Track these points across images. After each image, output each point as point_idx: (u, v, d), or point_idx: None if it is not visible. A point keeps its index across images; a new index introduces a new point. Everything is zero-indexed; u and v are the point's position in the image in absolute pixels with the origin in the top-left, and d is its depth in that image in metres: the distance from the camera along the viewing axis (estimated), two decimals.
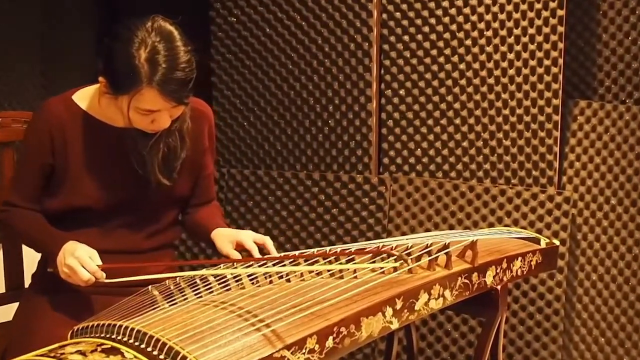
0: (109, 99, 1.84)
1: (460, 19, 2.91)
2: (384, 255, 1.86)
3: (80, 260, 1.79)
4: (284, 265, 1.85)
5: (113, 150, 1.92)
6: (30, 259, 2.15)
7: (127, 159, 1.92)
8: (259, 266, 1.85)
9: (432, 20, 2.95)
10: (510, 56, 2.86)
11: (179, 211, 2.11)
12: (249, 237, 1.95)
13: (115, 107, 1.83)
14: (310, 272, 1.83)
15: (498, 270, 2.09)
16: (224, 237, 1.99)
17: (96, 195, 1.92)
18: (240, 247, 1.96)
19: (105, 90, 1.83)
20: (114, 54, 1.79)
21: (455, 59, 2.94)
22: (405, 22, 3.00)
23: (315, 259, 1.85)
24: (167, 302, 1.71)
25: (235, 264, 1.90)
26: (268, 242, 1.96)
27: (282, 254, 1.97)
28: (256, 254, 1.92)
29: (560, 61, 2.81)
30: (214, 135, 2.11)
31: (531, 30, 2.83)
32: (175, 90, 1.77)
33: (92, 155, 1.91)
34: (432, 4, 2.94)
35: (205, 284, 1.79)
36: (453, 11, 2.91)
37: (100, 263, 1.81)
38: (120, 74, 1.78)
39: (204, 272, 1.82)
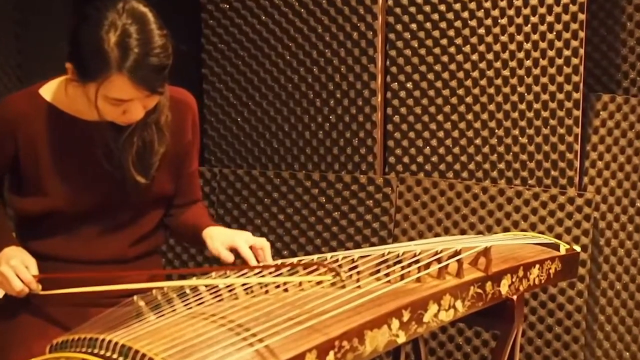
0: (75, 88, 1.83)
1: (473, 5, 2.91)
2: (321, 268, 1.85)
3: (15, 269, 1.82)
4: (280, 274, 1.85)
5: (84, 146, 1.91)
6: None
7: (99, 156, 1.91)
8: (254, 275, 1.85)
9: (442, 7, 2.96)
10: (527, 46, 2.86)
11: (163, 213, 2.10)
12: (244, 243, 1.94)
13: (84, 97, 1.82)
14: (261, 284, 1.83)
15: (514, 279, 2.08)
16: (217, 237, 1.98)
17: (67, 197, 1.90)
18: (235, 253, 1.95)
19: (72, 77, 1.82)
20: (81, 37, 1.77)
21: (467, 49, 2.94)
22: (412, 9, 3.00)
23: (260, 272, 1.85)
24: (154, 314, 1.71)
25: (227, 272, 1.90)
26: (266, 247, 1.96)
27: (280, 262, 1.97)
28: (252, 261, 1.91)
29: (581, 51, 2.80)
30: (199, 128, 2.09)
31: (550, 18, 2.82)
32: (148, 77, 1.75)
33: (60, 153, 1.90)
34: None
35: (196, 294, 1.79)
36: None
37: (36, 273, 1.84)
38: (88, 59, 1.76)
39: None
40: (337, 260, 1.90)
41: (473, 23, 2.92)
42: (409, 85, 3.04)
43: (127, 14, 1.76)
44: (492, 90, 2.93)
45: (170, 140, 1.97)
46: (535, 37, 2.84)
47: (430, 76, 3.01)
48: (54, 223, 1.93)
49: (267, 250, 1.96)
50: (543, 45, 2.84)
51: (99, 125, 1.88)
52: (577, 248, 2.47)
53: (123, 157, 1.90)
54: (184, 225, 2.08)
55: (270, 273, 1.88)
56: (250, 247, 1.94)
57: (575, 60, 2.81)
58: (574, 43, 2.80)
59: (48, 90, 1.93)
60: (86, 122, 1.91)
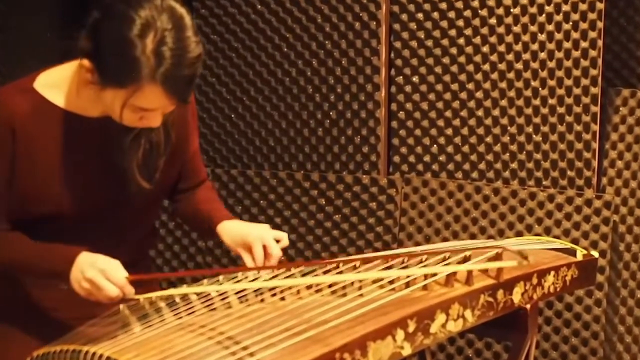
0: (90, 87, 1.79)
1: None
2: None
3: (106, 273, 1.74)
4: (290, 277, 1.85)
5: (86, 146, 1.89)
6: None
7: (102, 155, 1.90)
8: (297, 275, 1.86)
9: None
10: (542, 37, 2.86)
11: (159, 215, 2.10)
12: (258, 240, 1.93)
13: (95, 98, 1.79)
14: (309, 287, 1.83)
15: (527, 287, 2.09)
16: (233, 235, 1.97)
17: (69, 200, 1.89)
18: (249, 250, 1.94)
19: (89, 78, 1.75)
20: (106, 35, 1.70)
21: (477, 40, 2.94)
22: None
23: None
24: (141, 324, 1.71)
25: (220, 280, 1.91)
26: (284, 239, 1.94)
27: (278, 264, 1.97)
28: (258, 262, 1.90)
29: (600, 43, 2.80)
30: (196, 110, 2.08)
31: (566, 7, 2.83)
32: (181, 89, 1.72)
33: (61, 154, 1.88)
34: None
35: (186, 302, 1.79)
36: None
37: (126, 274, 1.76)
38: (115, 64, 1.70)
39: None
40: (337, 267, 1.90)
41: (484, 12, 2.92)
42: (415, 79, 3.04)
43: (166, 14, 1.69)
44: (503, 85, 2.93)
45: (174, 135, 1.95)
46: (551, 27, 2.84)
47: (438, 69, 3.01)
48: (53, 229, 1.92)
49: (284, 243, 1.94)
50: (559, 36, 2.84)
51: (102, 123, 1.86)
52: (595, 254, 2.47)
53: (128, 159, 1.88)
54: (196, 215, 2.05)
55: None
56: (264, 245, 1.93)
57: (593, 53, 2.81)
58: (592, 34, 2.80)
59: (44, 85, 1.87)
60: (88, 119, 1.87)
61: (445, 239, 3.02)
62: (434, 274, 1.90)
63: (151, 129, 1.87)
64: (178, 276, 1.92)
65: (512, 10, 2.88)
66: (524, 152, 2.94)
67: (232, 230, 1.99)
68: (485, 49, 2.93)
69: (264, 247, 1.92)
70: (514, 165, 2.96)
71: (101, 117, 1.86)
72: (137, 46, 1.66)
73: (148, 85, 1.69)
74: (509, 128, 2.95)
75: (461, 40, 2.96)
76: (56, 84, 1.88)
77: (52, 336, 1.81)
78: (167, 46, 1.67)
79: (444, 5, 2.96)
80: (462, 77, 2.98)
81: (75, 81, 1.84)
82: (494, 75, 2.93)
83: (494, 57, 2.92)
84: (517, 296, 2.06)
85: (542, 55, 2.87)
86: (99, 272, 1.75)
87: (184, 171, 2.08)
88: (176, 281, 3.06)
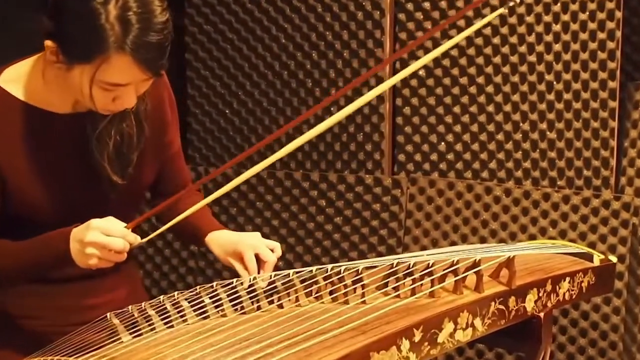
0: (57, 71, 1.80)
1: None
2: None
3: (103, 229, 1.74)
4: (274, 287, 1.85)
5: (59, 144, 1.90)
6: None
7: (76, 154, 1.91)
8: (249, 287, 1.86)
9: None
10: (556, 28, 2.86)
11: (138, 210, 2.10)
12: (249, 248, 1.93)
13: (63, 84, 1.80)
14: (307, 295, 1.83)
15: (541, 294, 2.09)
16: (223, 244, 1.98)
17: (44, 204, 1.90)
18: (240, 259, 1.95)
19: (54, 59, 1.77)
20: (68, 10, 1.72)
21: (487, 31, 2.94)
22: None
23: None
24: (130, 333, 1.71)
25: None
26: (277, 249, 1.94)
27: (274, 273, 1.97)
28: (252, 273, 1.91)
29: (618, 34, 2.81)
30: (175, 102, 2.08)
31: None
32: (153, 57, 1.73)
33: (33, 155, 1.89)
34: None
35: (178, 309, 1.79)
36: None
37: (124, 224, 1.78)
38: (79, 37, 1.71)
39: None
40: (339, 272, 1.91)
41: (494, 1, 2.92)
42: (421, 72, 3.04)
43: None
44: (516, 79, 2.93)
45: (149, 127, 1.96)
46: (566, 17, 2.85)
47: (446, 62, 3.01)
48: (29, 233, 1.92)
49: (277, 253, 1.94)
50: (575, 26, 2.84)
51: (74, 118, 1.87)
52: (613, 258, 2.47)
53: (98, 153, 1.89)
54: (183, 224, 2.07)
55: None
56: (256, 255, 1.93)
57: (611, 44, 2.81)
58: (610, 24, 2.80)
59: (10, 81, 1.87)
60: (60, 116, 1.88)
61: (453, 243, 3.03)
62: (442, 280, 1.90)
63: (122, 120, 1.87)
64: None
65: None
66: (538, 151, 2.94)
67: (221, 239, 1.99)
68: (496, 40, 2.93)
69: (257, 255, 1.92)
70: (527, 164, 2.97)
71: (72, 113, 1.86)
72: (100, 13, 1.68)
73: (116, 55, 1.70)
74: (521, 125, 2.95)
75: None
76: (22, 78, 1.87)
77: (34, 347, 1.81)
78: (131, 11, 1.69)
79: None
80: (472, 70, 2.98)
81: (42, 73, 1.85)
82: (506, 69, 2.93)
83: (505, 49, 2.92)
84: (530, 304, 2.06)
85: (557, 47, 2.87)
86: (97, 231, 1.75)
87: (166, 172, 2.08)
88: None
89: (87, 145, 1.90)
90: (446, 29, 2.99)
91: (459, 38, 1.85)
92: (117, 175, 1.91)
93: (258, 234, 1.98)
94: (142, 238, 1.81)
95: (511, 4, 1.75)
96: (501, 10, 1.87)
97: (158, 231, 1.86)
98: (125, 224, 1.78)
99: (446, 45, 1.83)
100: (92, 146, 1.89)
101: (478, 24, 1.89)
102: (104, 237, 1.74)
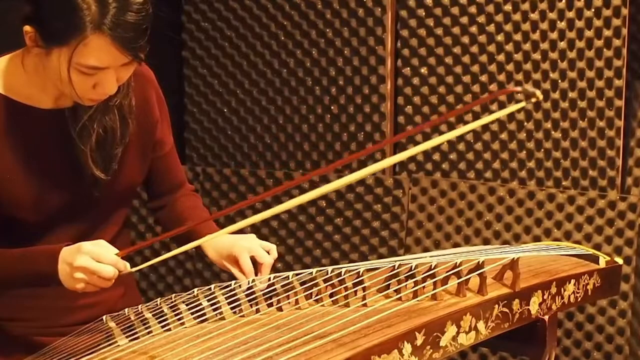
0: (36, 59, 1.81)
1: None
2: None
3: (94, 255, 1.74)
4: (274, 290, 1.85)
5: (41, 141, 1.90)
6: None
7: (58, 150, 1.90)
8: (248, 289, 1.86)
9: None
10: (561, 25, 2.86)
11: (129, 211, 2.10)
12: (244, 251, 1.94)
13: (43, 72, 1.80)
14: (307, 298, 1.84)
15: (545, 297, 2.09)
16: (218, 248, 1.99)
17: (26, 201, 1.89)
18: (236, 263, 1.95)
19: (32, 44, 1.77)
20: None
21: (491, 28, 2.94)
22: None
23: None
24: (127, 337, 1.72)
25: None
26: (273, 251, 1.95)
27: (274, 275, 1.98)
28: (249, 276, 1.91)
29: (624, 31, 2.81)
30: (164, 99, 2.08)
31: None
32: (131, 38, 1.73)
33: (13, 151, 1.89)
34: None
35: (176, 312, 1.79)
36: None
37: (116, 250, 1.77)
38: (56, 18, 1.72)
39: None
40: (340, 274, 1.91)
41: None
42: (423, 70, 3.04)
43: None
44: (520, 77, 2.93)
45: (135, 124, 1.96)
46: (571, 14, 2.85)
47: (449, 60, 3.01)
48: (13, 237, 1.92)
49: (273, 256, 1.95)
50: (580, 24, 2.84)
51: (57, 114, 1.87)
52: (619, 260, 2.47)
53: (80, 146, 1.89)
54: (179, 226, 2.07)
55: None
56: (252, 257, 1.93)
57: (617, 42, 2.81)
58: (616, 21, 2.80)
59: None
60: (42, 111, 1.89)
61: (456, 245, 3.03)
62: (444, 282, 1.90)
63: (105, 113, 1.87)
64: (167, 237, 1.93)
65: None
66: (542, 150, 2.94)
67: (216, 242, 2.00)
68: (500, 37, 2.93)
69: (253, 258, 1.93)
70: (531, 164, 2.97)
71: (55, 108, 1.87)
72: None
73: (93, 36, 1.71)
74: (525, 124, 2.95)
75: (473, 29, 2.96)
76: (1, 72, 1.87)
77: (26, 351, 1.81)
78: None
79: None
80: (475, 68, 2.98)
81: (22, 64, 1.85)
82: (509, 67, 2.93)
83: (509, 47, 2.93)
84: (534, 306, 2.06)
85: (562, 44, 2.87)
86: (87, 257, 1.74)
87: (159, 172, 2.08)
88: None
89: (70, 141, 1.90)
90: (457, 16, 3.00)
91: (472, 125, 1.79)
92: (99, 170, 1.91)
93: (253, 235, 1.99)
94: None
95: (534, 100, 1.71)
96: (521, 104, 1.80)
97: (148, 263, 1.84)
98: (116, 250, 1.77)
99: (457, 131, 1.80)
100: (74, 141, 1.89)
101: (486, 118, 1.82)
102: (94, 263, 1.74)
